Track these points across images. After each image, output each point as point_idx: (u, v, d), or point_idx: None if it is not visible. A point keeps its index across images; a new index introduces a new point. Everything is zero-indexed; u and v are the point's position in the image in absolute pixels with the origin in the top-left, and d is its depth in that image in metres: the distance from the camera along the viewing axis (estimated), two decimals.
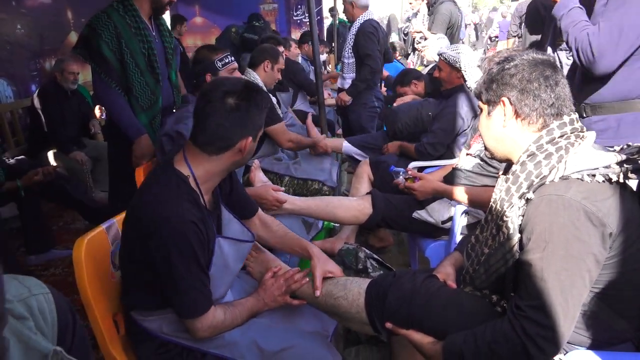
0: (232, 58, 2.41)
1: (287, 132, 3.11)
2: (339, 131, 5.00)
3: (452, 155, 3.05)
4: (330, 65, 8.44)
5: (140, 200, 1.43)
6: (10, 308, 0.82)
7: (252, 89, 1.46)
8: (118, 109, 2.52)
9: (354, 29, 4.15)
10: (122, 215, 1.56)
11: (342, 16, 8.43)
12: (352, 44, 4.19)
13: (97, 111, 4.64)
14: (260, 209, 1.88)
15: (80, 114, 4.49)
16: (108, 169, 2.81)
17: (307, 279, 1.69)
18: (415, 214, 2.43)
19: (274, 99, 3.25)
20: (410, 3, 6.62)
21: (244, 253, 1.67)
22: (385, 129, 3.62)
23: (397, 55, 6.52)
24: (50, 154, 4.30)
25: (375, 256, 2.10)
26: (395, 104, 3.59)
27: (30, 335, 0.81)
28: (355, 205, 2.46)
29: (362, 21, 4.12)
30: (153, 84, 2.58)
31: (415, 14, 6.30)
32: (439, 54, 3.09)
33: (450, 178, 2.48)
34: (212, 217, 1.55)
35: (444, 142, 3.05)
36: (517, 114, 1.31)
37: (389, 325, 1.48)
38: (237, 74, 2.46)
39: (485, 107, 1.39)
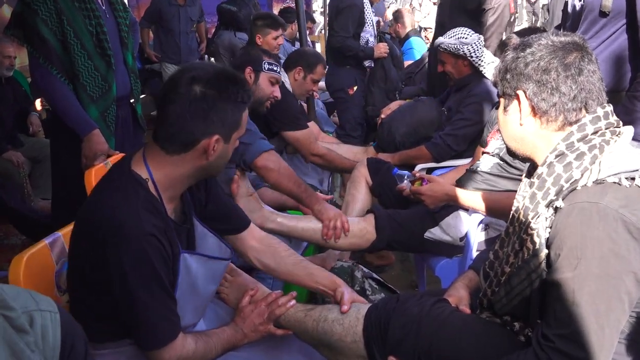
0: (280, 72, 2.73)
1: (315, 144, 3.04)
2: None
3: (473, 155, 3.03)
4: (319, 45, 8.44)
5: (90, 209, 1.44)
6: (12, 317, 0.86)
7: (227, 77, 1.46)
8: (61, 100, 2.50)
9: None
10: (69, 227, 1.56)
11: None
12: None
13: (37, 104, 4.61)
14: (254, 225, 1.86)
15: (17, 106, 4.45)
16: (51, 172, 2.79)
17: (294, 302, 1.69)
18: (427, 234, 2.41)
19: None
20: None
21: (217, 273, 1.67)
22: (375, 144, 3.51)
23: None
24: None
25: (375, 276, 2.11)
26: (383, 116, 3.56)
27: (25, 350, 0.85)
28: (356, 230, 2.42)
29: None
30: (104, 68, 2.56)
31: None
32: (437, 46, 3.14)
33: (465, 181, 2.50)
34: (180, 231, 1.55)
35: (468, 134, 3.04)
36: (534, 111, 1.33)
37: (392, 359, 1.50)
38: (277, 88, 2.67)
39: (502, 100, 1.42)
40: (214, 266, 1.63)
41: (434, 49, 4.00)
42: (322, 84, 5.14)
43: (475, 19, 3.28)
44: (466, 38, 3.01)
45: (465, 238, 2.40)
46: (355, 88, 4.42)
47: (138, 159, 1.48)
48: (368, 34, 4.43)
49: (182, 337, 1.46)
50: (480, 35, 3.09)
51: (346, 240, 2.40)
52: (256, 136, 2.36)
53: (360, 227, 2.43)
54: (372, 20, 4.47)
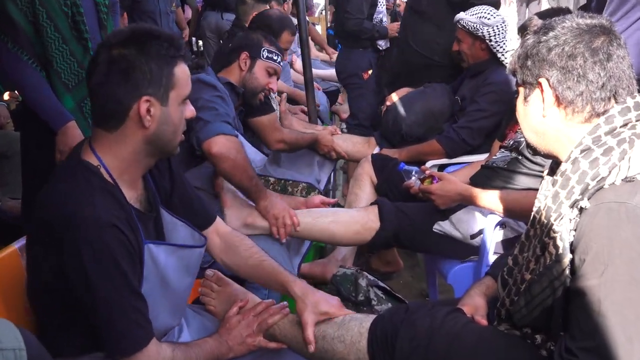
0: (281, 63, 2.72)
1: (279, 129, 3.02)
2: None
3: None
4: (320, 27, 8.43)
5: (39, 208, 1.44)
6: None
7: (145, 33, 1.47)
8: (33, 89, 2.50)
9: None
10: None
11: None
12: None
13: (6, 96, 4.61)
14: (221, 220, 1.88)
15: None
16: (21, 169, 2.80)
17: (287, 310, 1.70)
18: (436, 227, 2.43)
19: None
20: None
21: (192, 263, 1.67)
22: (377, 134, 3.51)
23: None
24: None
25: (381, 284, 2.12)
26: (388, 103, 3.49)
27: None
28: (357, 218, 2.45)
29: None
30: (81, 53, 2.56)
31: None
32: (457, 21, 3.13)
33: (480, 179, 2.50)
34: (145, 220, 1.57)
35: (484, 126, 3.05)
36: (558, 101, 1.33)
37: None
38: (274, 80, 2.67)
39: (521, 89, 1.41)
40: (186, 255, 1.63)
41: (404, 34, 3.97)
42: (324, 72, 5.13)
43: (458, 9, 3.24)
44: (489, 19, 2.98)
45: (476, 237, 2.40)
46: (370, 72, 4.43)
47: (86, 147, 1.49)
48: (381, 14, 4.49)
49: (156, 344, 1.46)
50: (505, 19, 3.06)
51: (348, 229, 2.43)
52: (219, 117, 2.25)
53: (363, 216, 2.45)
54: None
